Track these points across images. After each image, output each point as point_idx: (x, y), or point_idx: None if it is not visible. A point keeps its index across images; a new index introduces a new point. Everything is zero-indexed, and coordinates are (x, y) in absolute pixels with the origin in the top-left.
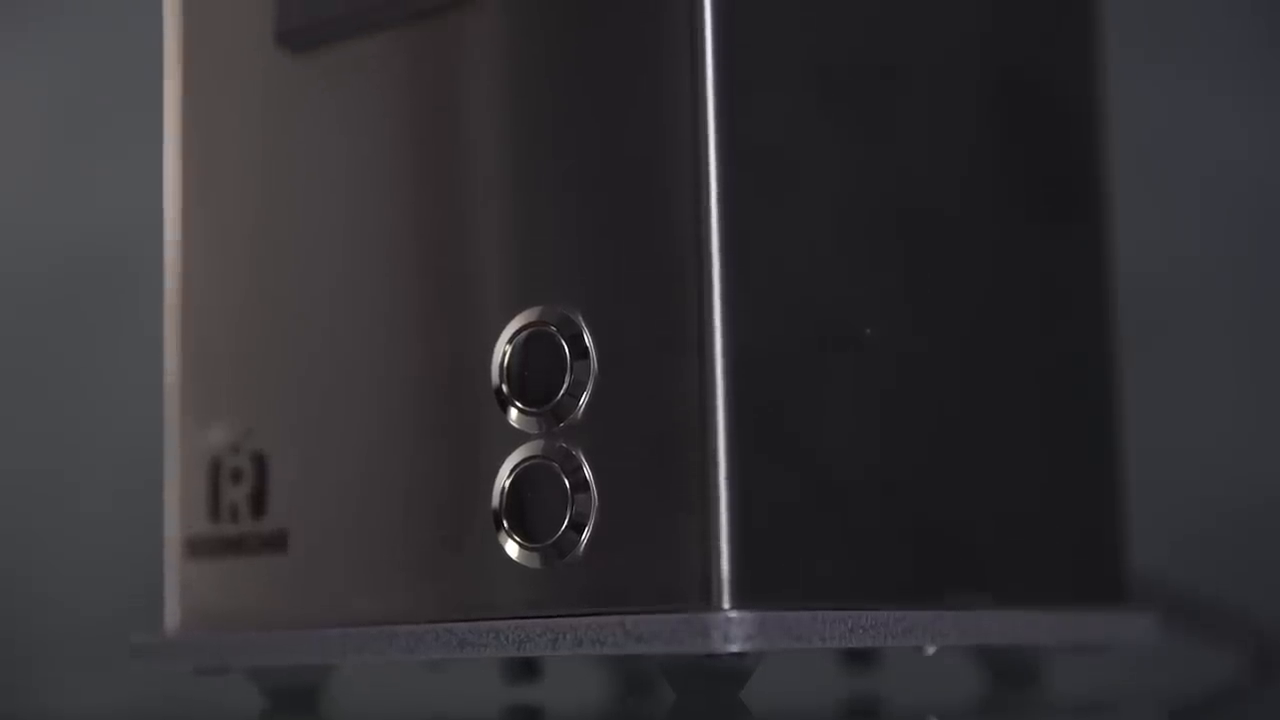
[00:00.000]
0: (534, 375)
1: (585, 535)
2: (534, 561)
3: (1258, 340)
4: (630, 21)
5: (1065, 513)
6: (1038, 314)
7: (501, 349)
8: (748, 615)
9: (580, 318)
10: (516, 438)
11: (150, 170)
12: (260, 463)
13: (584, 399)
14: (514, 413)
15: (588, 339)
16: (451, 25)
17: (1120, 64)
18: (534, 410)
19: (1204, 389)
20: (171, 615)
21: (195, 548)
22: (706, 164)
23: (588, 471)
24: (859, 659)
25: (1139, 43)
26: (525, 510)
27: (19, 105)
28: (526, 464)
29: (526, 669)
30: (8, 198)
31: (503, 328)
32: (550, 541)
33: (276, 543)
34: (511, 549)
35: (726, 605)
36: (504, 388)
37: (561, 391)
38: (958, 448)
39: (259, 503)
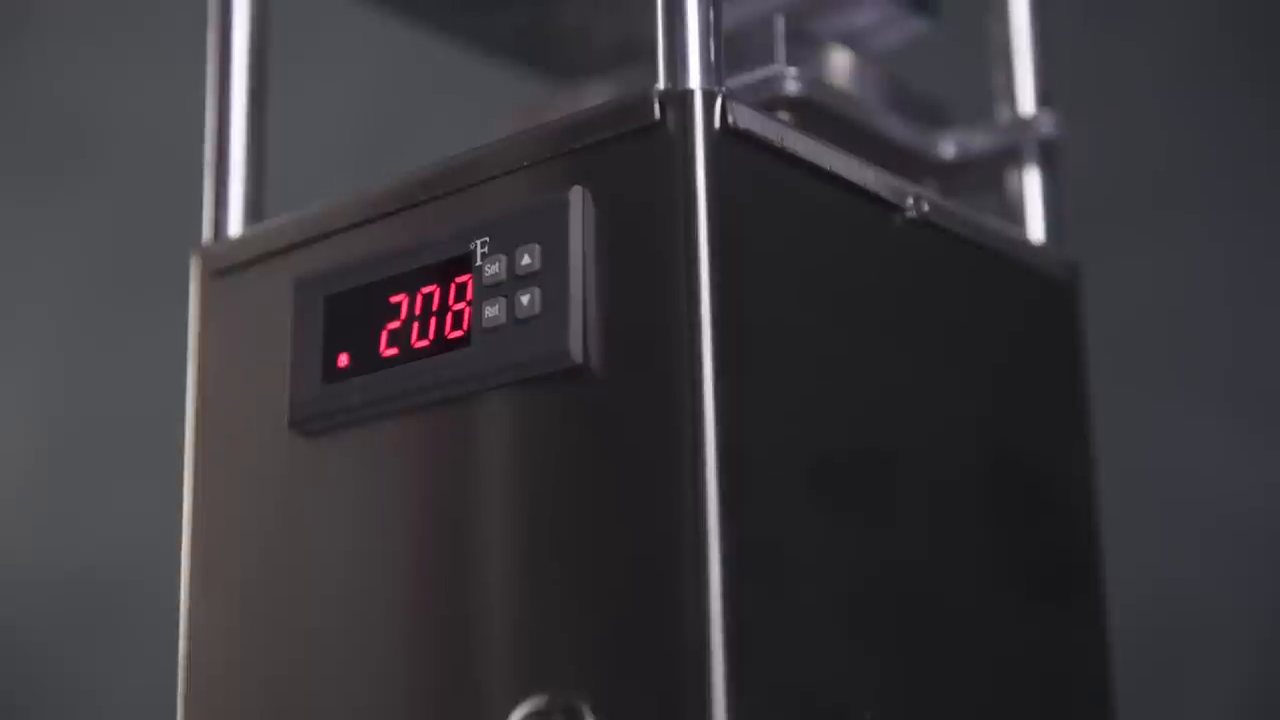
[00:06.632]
0: None
1: None
2: None
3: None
4: (633, 416)
5: None
6: (1037, 688)
7: None
8: None
9: (586, 707)
10: None
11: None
12: None
13: None
14: None
15: None
16: (460, 416)
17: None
18: None
19: None
20: None
21: None
22: (708, 559)
23: None
24: None
25: (1143, 384)
26: None
27: (27, 426)
28: None
29: None
30: (10, 520)
31: (509, 715)
32: None
33: None
34: None
35: None
36: None
37: None
38: None
39: None
